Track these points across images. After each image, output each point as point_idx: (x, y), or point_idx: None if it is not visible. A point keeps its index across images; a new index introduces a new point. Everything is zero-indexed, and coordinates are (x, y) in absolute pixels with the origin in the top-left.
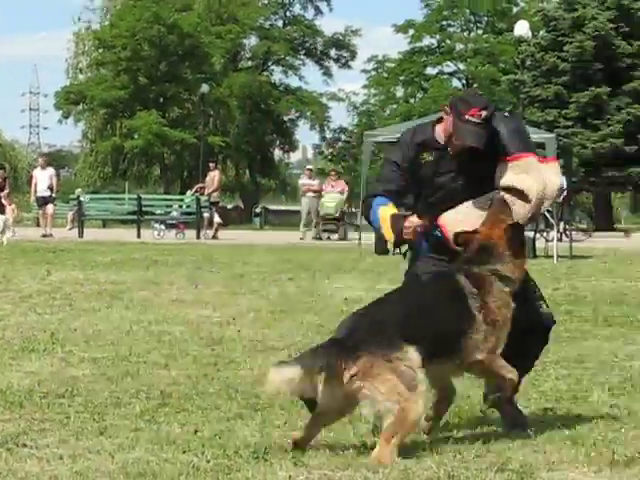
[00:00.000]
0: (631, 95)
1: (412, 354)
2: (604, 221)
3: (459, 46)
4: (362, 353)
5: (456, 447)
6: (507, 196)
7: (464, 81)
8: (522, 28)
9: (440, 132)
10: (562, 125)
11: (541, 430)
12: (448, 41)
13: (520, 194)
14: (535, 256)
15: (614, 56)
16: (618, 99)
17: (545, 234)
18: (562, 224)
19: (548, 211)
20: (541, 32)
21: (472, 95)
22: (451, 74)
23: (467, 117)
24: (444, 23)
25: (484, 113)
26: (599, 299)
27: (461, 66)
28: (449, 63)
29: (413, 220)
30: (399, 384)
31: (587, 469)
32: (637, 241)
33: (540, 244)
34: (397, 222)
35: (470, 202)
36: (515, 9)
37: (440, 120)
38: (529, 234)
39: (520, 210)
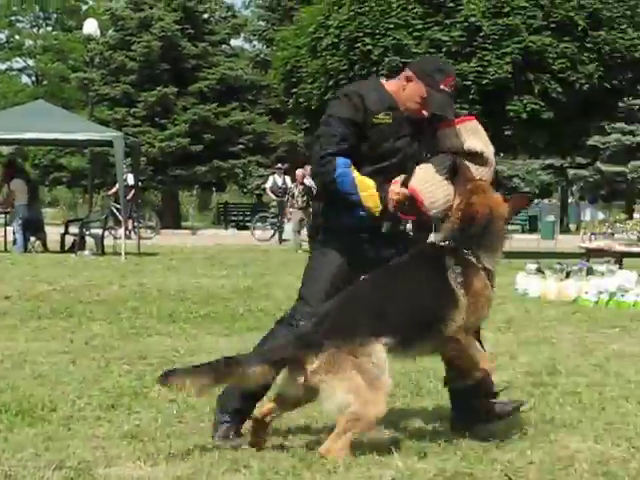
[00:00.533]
0: (196, 96)
1: (380, 352)
2: (172, 219)
3: (28, 42)
4: (327, 347)
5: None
6: (465, 162)
7: (34, 78)
8: (91, 26)
9: (396, 94)
10: (130, 124)
11: (102, 426)
12: (17, 37)
13: (478, 157)
14: (103, 253)
15: (180, 57)
16: (184, 99)
17: (113, 231)
18: (130, 222)
19: (117, 209)
20: (110, 31)
21: (443, 63)
22: (20, 70)
23: (442, 87)
24: (13, 18)
25: (454, 82)
26: (164, 296)
27: (30, 62)
28: (18, 59)
29: (398, 188)
30: (361, 382)
31: (144, 463)
32: (203, 239)
33: (109, 241)
34: (383, 189)
35: (424, 167)
36: (84, 7)
37: (387, 80)
38: (98, 231)
39: (482, 174)
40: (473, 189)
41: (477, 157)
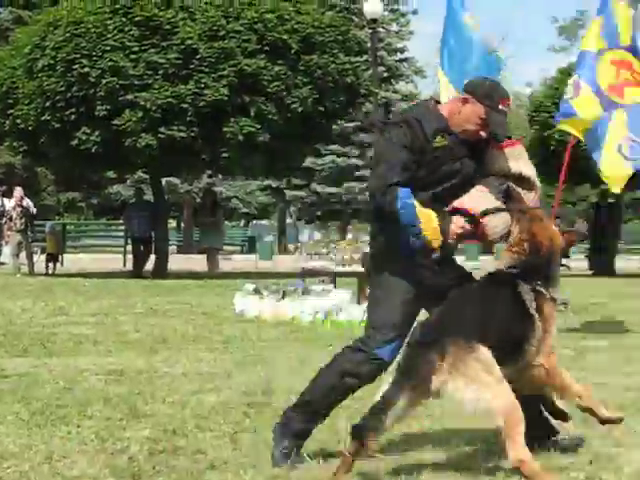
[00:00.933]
0: None
1: (488, 352)
2: None
3: None
4: (449, 347)
5: None
6: (517, 188)
7: None
8: None
9: (450, 117)
10: None
11: None
12: None
13: (526, 182)
14: None
15: None
16: None
17: None
18: None
19: None
20: None
21: (497, 84)
22: None
23: (501, 107)
24: None
25: (510, 102)
26: None
27: None
28: None
29: (460, 221)
30: (487, 377)
31: None
32: None
33: None
34: (446, 222)
35: (481, 192)
36: None
37: (438, 102)
38: None
39: (529, 198)
40: (532, 217)
41: (525, 182)
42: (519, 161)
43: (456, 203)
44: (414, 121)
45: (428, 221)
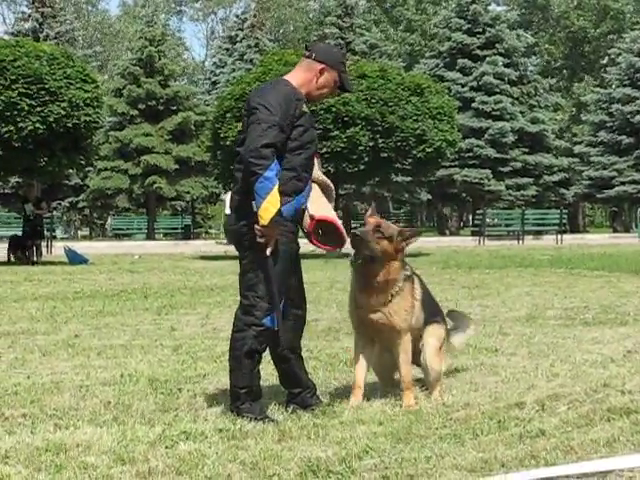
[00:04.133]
0: None
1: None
2: None
3: None
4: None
5: None
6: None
7: None
8: None
9: (303, 84)
10: None
11: None
12: None
13: (330, 190)
14: None
15: None
16: None
17: None
18: None
19: None
20: None
21: (340, 47)
22: None
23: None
24: None
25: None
26: None
27: None
28: None
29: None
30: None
31: None
32: None
33: None
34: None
35: (317, 192)
36: None
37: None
38: None
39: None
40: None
41: (330, 191)
42: (319, 170)
43: (316, 213)
44: (288, 94)
45: (272, 205)
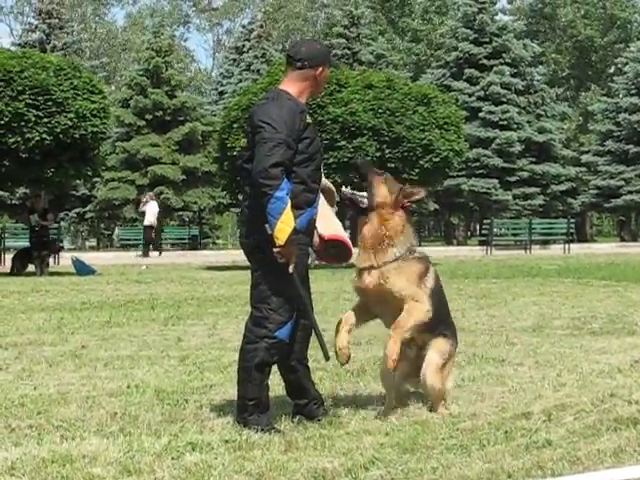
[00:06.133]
0: None
1: None
2: None
3: None
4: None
5: None
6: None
7: None
8: None
9: (302, 92)
10: None
11: None
12: None
13: (332, 195)
14: None
15: None
16: None
17: None
18: None
19: None
20: None
21: (320, 41)
22: None
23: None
24: None
25: None
26: None
27: None
28: None
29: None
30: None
31: None
32: None
33: None
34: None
35: (327, 208)
36: None
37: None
38: None
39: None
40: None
41: (332, 195)
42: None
43: (324, 232)
44: (292, 108)
45: (286, 225)
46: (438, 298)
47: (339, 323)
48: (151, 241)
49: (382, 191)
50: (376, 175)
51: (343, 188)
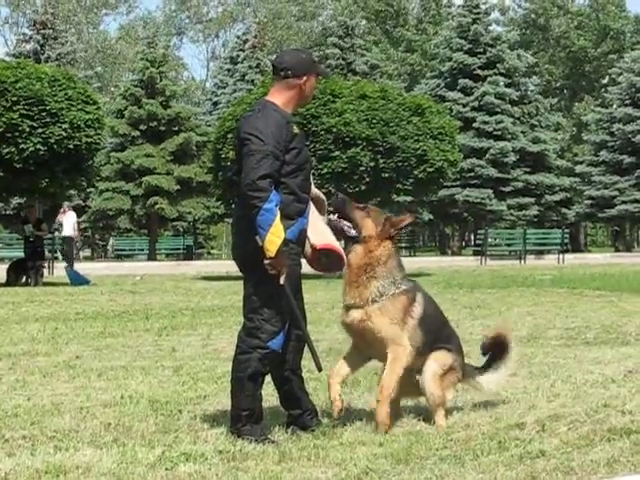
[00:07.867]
0: None
1: None
2: None
3: None
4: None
5: None
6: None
7: None
8: None
9: (288, 103)
10: None
11: None
12: None
13: (322, 203)
14: None
15: None
16: None
17: None
18: None
19: None
20: None
21: (305, 50)
22: None
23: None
24: None
25: None
26: None
27: None
28: None
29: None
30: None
31: None
32: None
33: None
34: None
35: (317, 218)
36: None
37: (265, 94)
38: None
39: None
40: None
41: (322, 204)
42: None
43: (317, 242)
44: (277, 120)
45: (276, 237)
46: (431, 321)
47: (329, 377)
48: (71, 254)
49: (367, 224)
50: (357, 211)
51: (330, 216)
